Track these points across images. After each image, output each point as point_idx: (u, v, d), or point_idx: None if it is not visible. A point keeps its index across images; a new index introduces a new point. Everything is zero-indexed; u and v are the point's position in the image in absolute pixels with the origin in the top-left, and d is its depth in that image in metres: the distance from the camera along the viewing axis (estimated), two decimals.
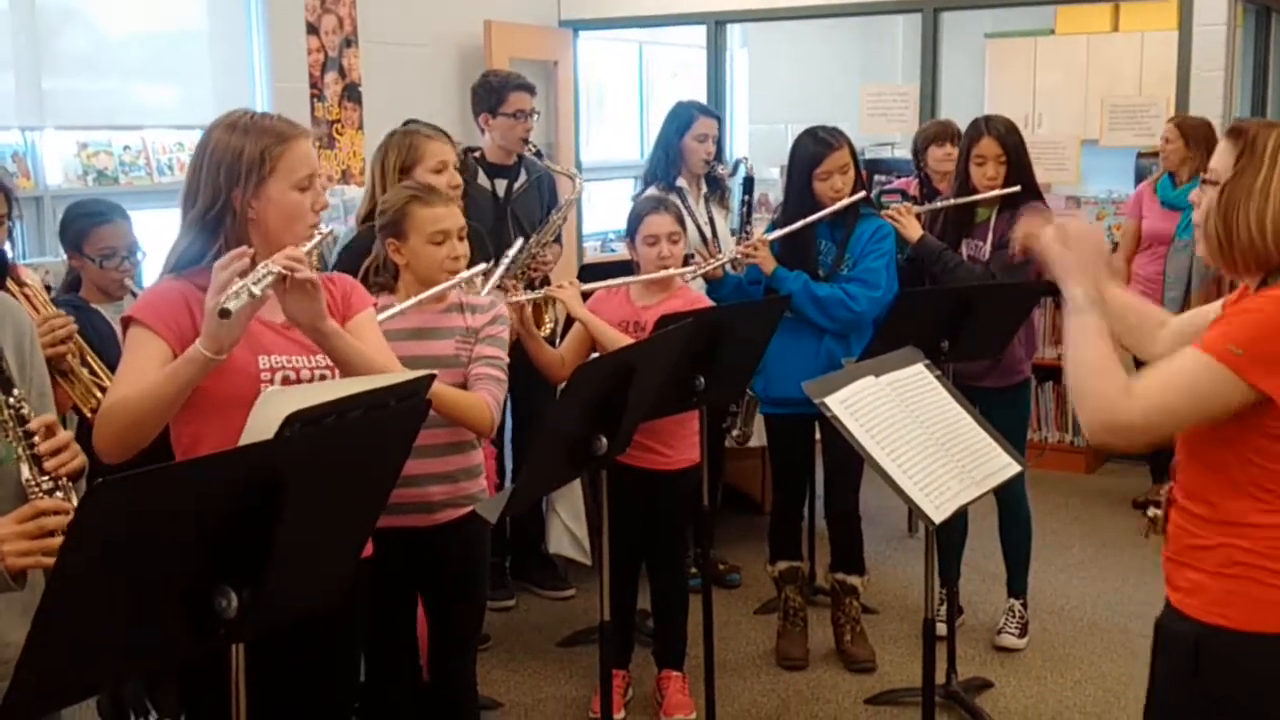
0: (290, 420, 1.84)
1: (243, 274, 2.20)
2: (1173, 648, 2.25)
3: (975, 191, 4.34)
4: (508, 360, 3.19)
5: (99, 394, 2.99)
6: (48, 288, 3.44)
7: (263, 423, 1.87)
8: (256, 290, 2.18)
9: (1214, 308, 2.39)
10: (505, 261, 3.76)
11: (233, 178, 2.36)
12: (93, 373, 3.05)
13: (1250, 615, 2.13)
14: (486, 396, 3.05)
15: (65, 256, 3.71)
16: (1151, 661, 2.33)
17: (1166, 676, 2.28)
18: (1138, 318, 2.57)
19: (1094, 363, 2.18)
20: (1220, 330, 2.10)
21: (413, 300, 3.10)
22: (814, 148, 4.11)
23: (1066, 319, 2.28)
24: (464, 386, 3.08)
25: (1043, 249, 2.35)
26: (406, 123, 4.57)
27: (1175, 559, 2.25)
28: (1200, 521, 2.19)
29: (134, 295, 3.59)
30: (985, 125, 4.34)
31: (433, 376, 2.18)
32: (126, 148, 5.31)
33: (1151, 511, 2.42)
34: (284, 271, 2.24)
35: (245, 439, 1.89)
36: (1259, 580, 2.13)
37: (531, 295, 4.04)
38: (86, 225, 3.60)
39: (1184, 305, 5.61)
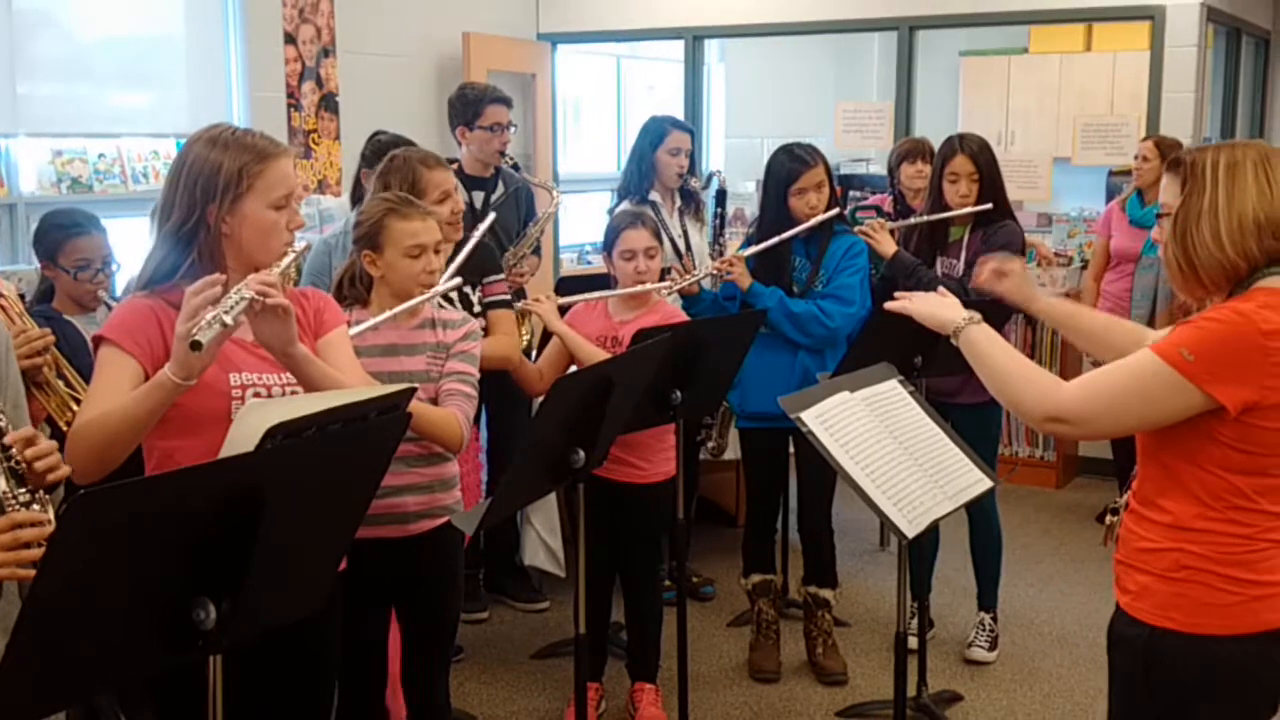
0: (271, 433, 1.85)
1: (215, 301, 2.19)
2: (1124, 651, 2.30)
3: (949, 209, 4.37)
4: (479, 376, 3.19)
5: (75, 407, 2.98)
6: (21, 296, 3.43)
7: (244, 435, 1.88)
8: (228, 319, 2.17)
9: None
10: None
11: (209, 193, 2.35)
12: (69, 385, 3.03)
13: (1196, 618, 2.19)
14: (457, 413, 3.05)
15: (39, 265, 3.70)
16: (1109, 669, 2.37)
17: (1120, 679, 2.34)
18: (1121, 337, 2.62)
19: (1010, 365, 2.35)
20: (1177, 335, 2.16)
21: (386, 314, 3.10)
22: (790, 164, 4.13)
23: (960, 342, 2.45)
24: (435, 402, 3.09)
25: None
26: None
27: (1125, 562, 2.31)
28: (1151, 525, 2.25)
29: (108, 307, 3.58)
30: (959, 143, 4.38)
31: (413, 389, 2.19)
32: (101, 155, 5.30)
33: (1109, 519, 2.47)
34: (256, 297, 2.23)
35: (226, 450, 1.89)
36: (1206, 584, 2.18)
37: (515, 305, 4.05)
38: (61, 236, 3.59)
39: (1150, 322, 5.68)
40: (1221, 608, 2.18)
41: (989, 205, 4.32)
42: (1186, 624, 2.19)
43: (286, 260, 2.39)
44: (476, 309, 3.83)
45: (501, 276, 3.99)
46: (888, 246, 4.40)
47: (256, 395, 2.40)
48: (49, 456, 2.05)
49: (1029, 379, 2.30)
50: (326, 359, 2.48)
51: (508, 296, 3.93)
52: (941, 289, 2.70)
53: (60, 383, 3.03)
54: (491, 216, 4.09)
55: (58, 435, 2.91)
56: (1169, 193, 2.26)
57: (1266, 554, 2.19)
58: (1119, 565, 2.33)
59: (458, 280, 3.36)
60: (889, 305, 2.76)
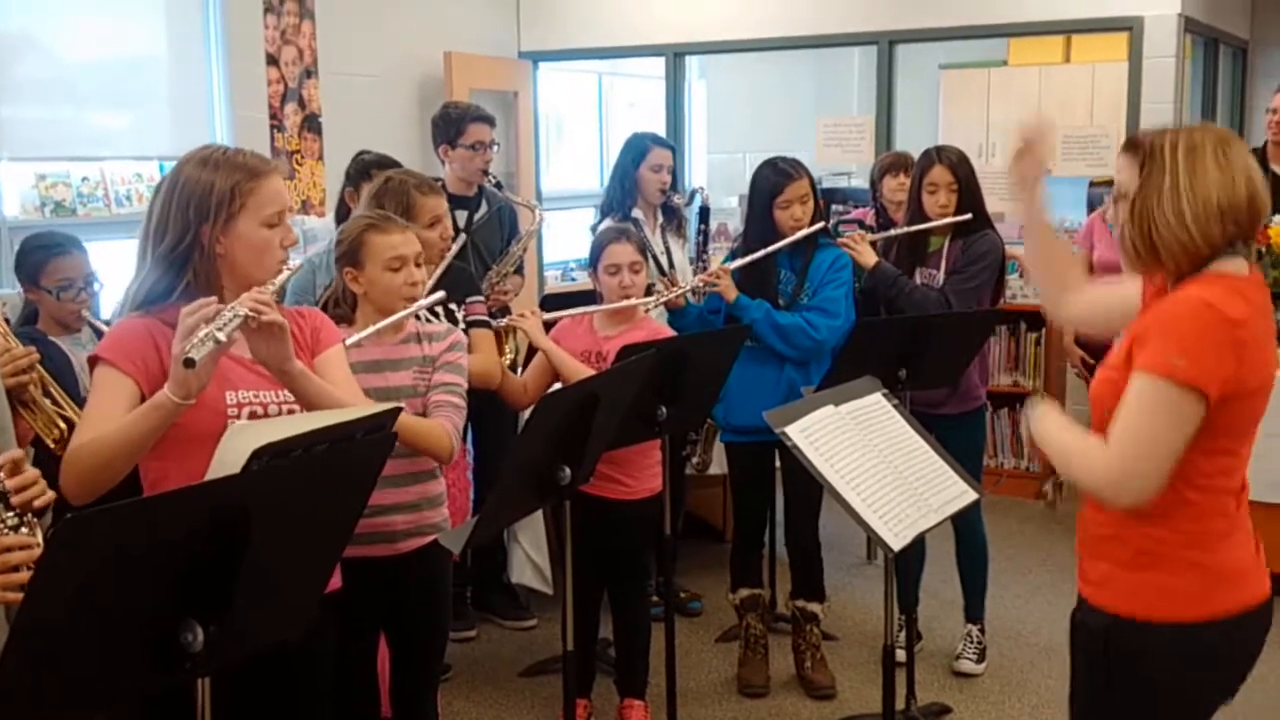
0: (257, 454, 1.85)
1: (209, 319, 2.20)
2: (1085, 640, 2.31)
3: (928, 220, 4.40)
4: (466, 386, 3.20)
5: (62, 424, 2.98)
6: (5, 320, 3.42)
7: (230, 457, 1.88)
8: (222, 336, 2.18)
9: (1132, 289, 2.43)
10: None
11: (202, 213, 2.36)
12: (55, 403, 3.03)
13: (1158, 604, 2.21)
14: (446, 424, 3.05)
15: (21, 289, 3.69)
16: (1071, 657, 2.38)
17: (1081, 668, 2.35)
18: (1062, 266, 2.63)
19: (1071, 443, 2.26)
20: (1155, 346, 2.15)
21: (370, 329, 3.10)
22: (774, 178, 4.16)
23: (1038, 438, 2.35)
24: (423, 414, 3.09)
25: None
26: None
27: (1086, 550, 2.33)
28: (1107, 512, 2.26)
29: (91, 326, 3.58)
30: (937, 154, 4.41)
31: (399, 409, 2.19)
32: (85, 179, 5.29)
33: (1046, 487, 2.48)
34: (250, 314, 2.24)
35: (213, 473, 1.89)
36: (1167, 570, 2.21)
37: (493, 324, 4.05)
38: (43, 257, 3.59)
39: None
40: (1183, 593, 2.20)
41: (968, 216, 4.34)
42: (1149, 611, 2.21)
43: (282, 277, 2.40)
44: (461, 326, 3.84)
45: (481, 298, 4.00)
46: (869, 258, 4.41)
47: (253, 414, 2.41)
48: (32, 487, 2.04)
49: (1084, 461, 2.24)
50: (324, 377, 2.49)
51: (486, 317, 3.94)
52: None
53: (47, 400, 3.03)
54: (463, 239, 4.11)
55: (46, 453, 2.91)
56: (1125, 174, 2.26)
57: (1221, 535, 2.22)
58: (1080, 552, 2.35)
59: (441, 294, 3.36)
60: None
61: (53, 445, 2.93)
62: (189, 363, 2.15)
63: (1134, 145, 2.26)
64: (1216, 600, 2.21)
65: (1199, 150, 2.19)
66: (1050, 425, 2.33)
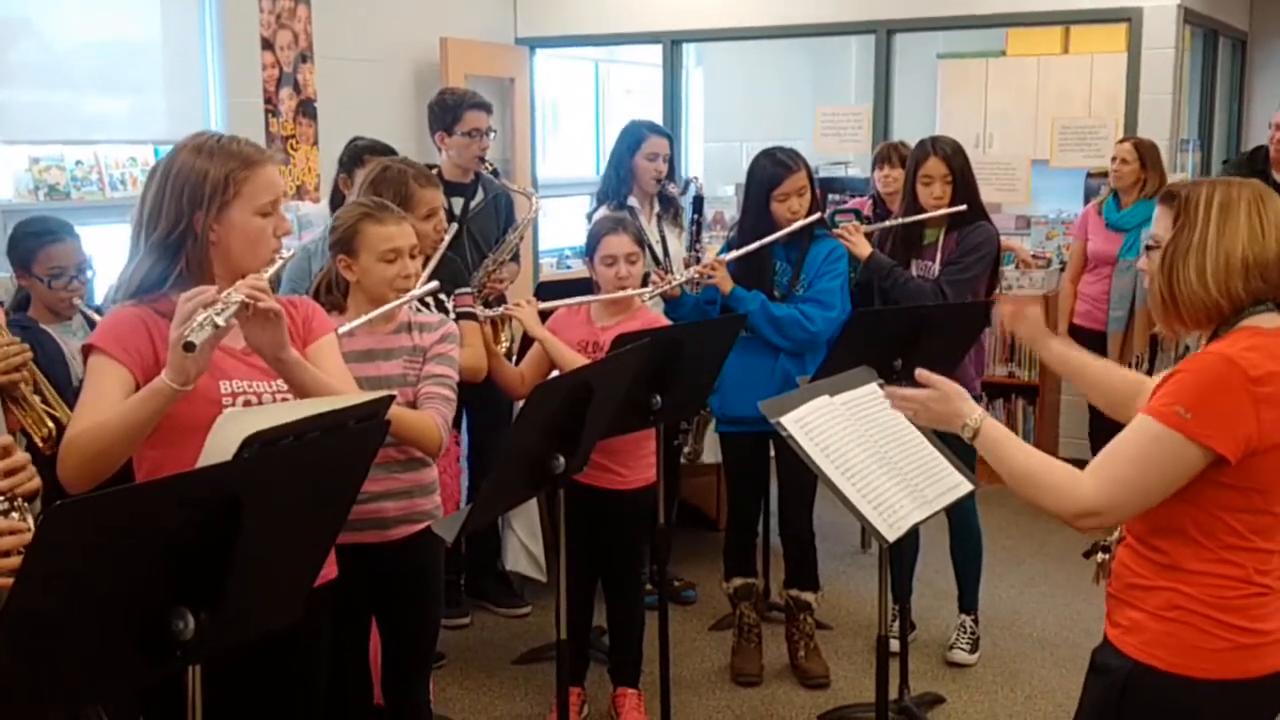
0: (249, 442, 1.84)
1: (207, 305, 2.19)
2: (1102, 680, 2.29)
3: (923, 211, 4.39)
4: (457, 378, 3.19)
5: (50, 424, 2.96)
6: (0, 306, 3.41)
7: (221, 444, 1.87)
8: (220, 321, 2.17)
9: None
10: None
11: (195, 201, 2.34)
12: (45, 400, 3.01)
13: (1181, 659, 2.18)
14: (435, 416, 3.04)
15: (13, 274, 3.68)
16: (1083, 693, 2.38)
17: (1090, 707, 2.34)
18: (1120, 383, 2.61)
19: (1024, 468, 2.27)
20: (1169, 392, 2.13)
21: (362, 319, 3.08)
22: (772, 169, 4.14)
23: (978, 443, 2.35)
24: (413, 406, 3.08)
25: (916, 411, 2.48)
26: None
27: (1117, 596, 2.30)
28: (1144, 562, 2.24)
29: (83, 314, 3.56)
30: (931, 146, 4.39)
31: (392, 397, 2.19)
32: (79, 162, 5.27)
33: (1100, 557, 2.47)
34: (247, 300, 2.23)
35: (204, 460, 1.88)
36: (1197, 627, 2.18)
37: (489, 313, 4.05)
38: (35, 244, 3.57)
39: (1128, 324, 5.72)
40: (1210, 652, 2.17)
41: (963, 207, 4.33)
42: (1171, 663, 2.19)
43: (275, 266, 2.39)
44: (451, 316, 3.83)
45: (469, 290, 3.99)
46: (863, 249, 4.40)
47: (247, 403, 2.40)
48: (20, 472, 2.03)
49: (1047, 482, 2.24)
50: (316, 365, 2.48)
51: (474, 309, 3.93)
52: (923, 374, 2.49)
53: (37, 399, 3.01)
54: (454, 228, 4.09)
55: (34, 452, 2.89)
56: (1160, 225, 2.25)
57: (1260, 601, 2.18)
58: (1110, 599, 2.32)
59: (434, 284, 3.35)
60: (902, 391, 2.55)
61: (41, 444, 2.91)
62: (189, 346, 2.13)
63: (1170, 197, 2.25)
64: (1242, 663, 2.18)
65: (1232, 205, 2.17)
66: (1003, 440, 2.32)
